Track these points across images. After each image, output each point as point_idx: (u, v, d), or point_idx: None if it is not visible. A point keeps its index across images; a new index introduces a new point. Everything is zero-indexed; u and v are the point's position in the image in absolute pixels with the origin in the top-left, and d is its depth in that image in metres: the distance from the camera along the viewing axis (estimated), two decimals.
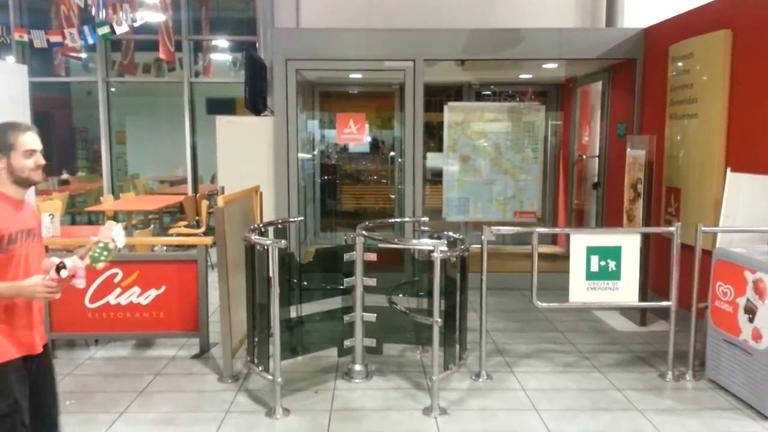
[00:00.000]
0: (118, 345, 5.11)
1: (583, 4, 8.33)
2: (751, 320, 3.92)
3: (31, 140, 2.47)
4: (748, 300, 3.94)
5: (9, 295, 2.38)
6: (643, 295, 5.13)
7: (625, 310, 5.89)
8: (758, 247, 4.24)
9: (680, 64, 5.65)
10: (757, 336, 3.87)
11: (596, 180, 7.62)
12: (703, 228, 4.40)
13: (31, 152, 2.46)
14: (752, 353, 3.92)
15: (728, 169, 4.84)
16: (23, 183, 2.48)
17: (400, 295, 5.05)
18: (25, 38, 8.14)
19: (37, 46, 8.06)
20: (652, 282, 5.60)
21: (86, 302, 4.78)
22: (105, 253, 2.39)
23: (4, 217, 2.40)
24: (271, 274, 3.97)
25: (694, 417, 3.89)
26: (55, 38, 7.97)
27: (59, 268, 2.31)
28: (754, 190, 4.59)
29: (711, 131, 5.19)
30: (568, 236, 4.90)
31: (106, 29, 7.89)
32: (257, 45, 8.54)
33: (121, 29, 7.93)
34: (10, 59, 8.98)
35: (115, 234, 2.44)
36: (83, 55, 10.05)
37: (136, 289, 4.83)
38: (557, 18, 8.07)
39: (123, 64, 9.94)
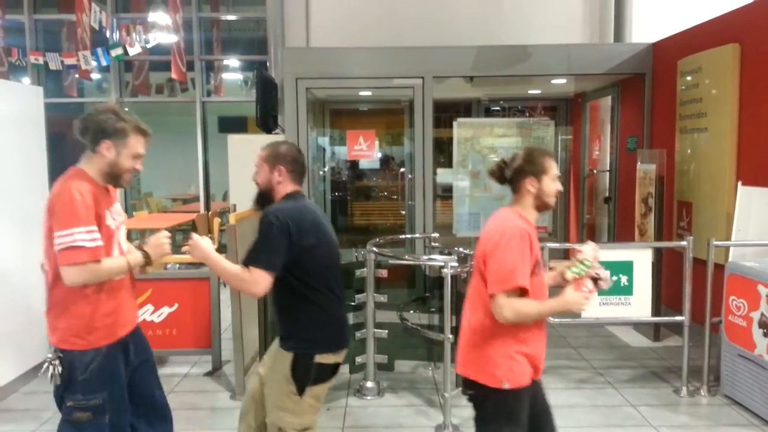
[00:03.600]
0: None
1: (591, 19, 8.37)
2: (765, 335, 3.89)
3: (554, 166, 2.50)
4: (762, 314, 3.91)
5: (560, 312, 2.45)
6: (656, 310, 5.10)
7: (638, 326, 5.85)
8: None
9: (689, 78, 5.66)
10: None
11: (607, 194, 7.60)
12: (715, 242, 4.39)
13: (557, 176, 2.49)
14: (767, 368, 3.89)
15: (739, 183, 4.84)
16: (544, 207, 2.52)
17: (411, 312, 5.06)
18: (41, 61, 8.32)
19: (52, 68, 8.23)
20: (665, 297, 5.56)
21: None
22: (585, 269, 2.53)
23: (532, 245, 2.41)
24: None
25: None
26: (70, 60, 8.13)
27: (596, 279, 2.46)
28: (766, 204, 4.57)
29: (721, 145, 5.18)
30: None
31: (119, 51, 8.04)
32: (268, 64, 8.66)
33: (134, 50, 8.07)
34: (26, 80, 9.15)
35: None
36: (97, 76, 10.23)
37: (150, 307, 4.88)
38: (565, 33, 8.11)
39: (135, 84, 10.09)
